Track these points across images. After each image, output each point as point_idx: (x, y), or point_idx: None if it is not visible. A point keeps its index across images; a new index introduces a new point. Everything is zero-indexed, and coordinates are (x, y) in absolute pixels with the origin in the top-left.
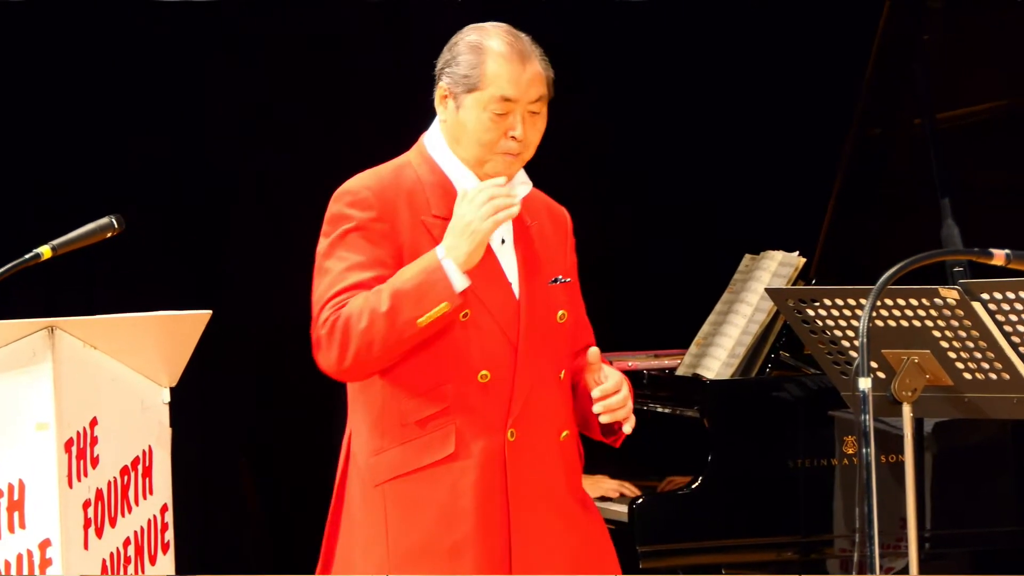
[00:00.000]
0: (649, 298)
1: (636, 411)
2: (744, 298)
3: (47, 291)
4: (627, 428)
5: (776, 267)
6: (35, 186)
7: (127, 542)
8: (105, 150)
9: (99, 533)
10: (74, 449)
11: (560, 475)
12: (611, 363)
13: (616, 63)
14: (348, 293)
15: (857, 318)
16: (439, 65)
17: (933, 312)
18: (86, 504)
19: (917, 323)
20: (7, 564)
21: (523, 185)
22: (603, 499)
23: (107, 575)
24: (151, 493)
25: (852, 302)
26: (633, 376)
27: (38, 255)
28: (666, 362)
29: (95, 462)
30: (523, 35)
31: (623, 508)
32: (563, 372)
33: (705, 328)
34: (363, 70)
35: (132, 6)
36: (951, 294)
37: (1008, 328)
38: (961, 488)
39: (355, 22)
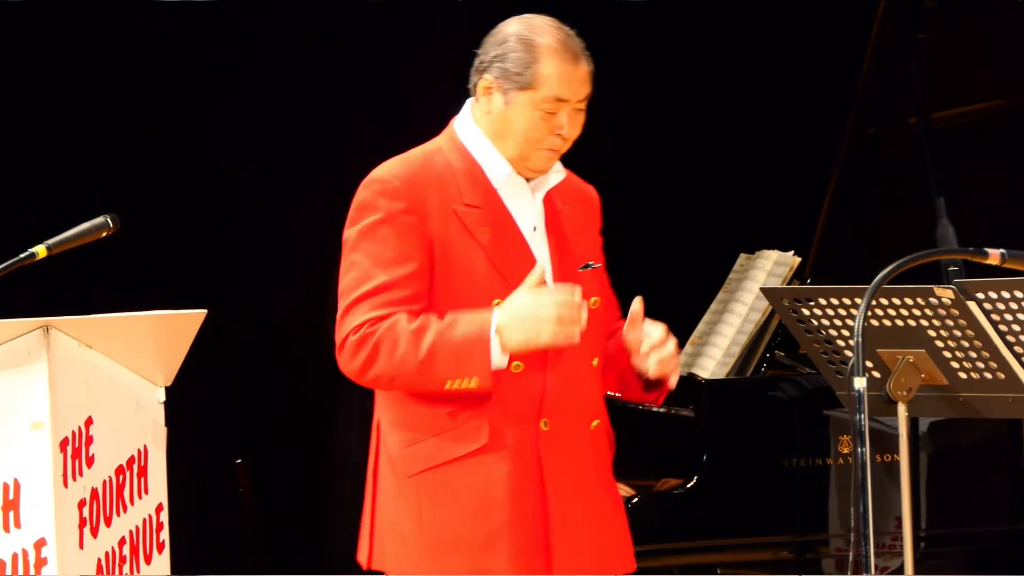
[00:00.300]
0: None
1: (631, 410)
2: (739, 297)
3: (43, 290)
4: (672, 381)
5: (771, 266)
6: (34, 186)
7: (122, 541)
8: (104, 150)
9: (94, 532)
10: (69, 448)
11: (591, 465)
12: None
13: (614, 63)
14: (384, 295)
15: (852, 317)
16: (485, 56)
17: (928, 311)
18: (81, 503)
19: (912, 322)
20: (2, 563)
21: (556, 174)
22: None
23: (102, 574)
24: (146, 492)
25: (847, 301)
26: None
27: (33, 254)
28: None
29: (90, 461)
30: (570, 30)
31: None
32: (596, 359)
33: (700, 327)
34: (363, 70)
35: (132, 6)
36: (946, 293)
37: (1003, 327)
38: (956, 487)
39: (355, 22)
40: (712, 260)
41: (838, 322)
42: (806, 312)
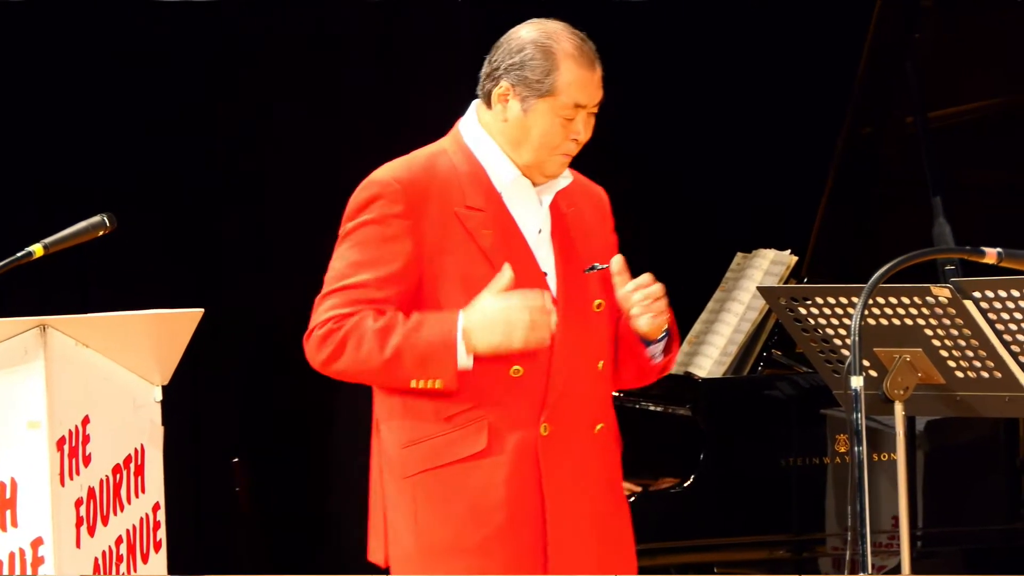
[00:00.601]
0: None
1: (629, 409)
2: (736, 296)
3: (40, 289)
4: (666, 324)
5: (768, 265)
6: (34, 185)
7: (119, 540)
8: (104, 149)
9: (91, 531)
10: (66, 447)
11: (595, 469)
12: None
13: (611, 63)
14: (354, 293)
15: (849, 316)
16: (500, 63)
17: (925, 310)
18: (78, 502)
19: (909, 321)
20: None
21: (564, 179)
22: None
23: (99, 574)
24: (143, 491)
25: (844, 300)
26: None
27: (30, 253)
28: None
29: (87, 460)
30: (583, 34)
31: None
32: (601, 362)
33: (697, 326)
34: (363, 70)
35: (132, 6)
36: (943, 292)
37: (1000, 326)
38: (953, 486)
39: (355, 22)
40: (709, 259)
41: (835, 321)
42: (803, 311)
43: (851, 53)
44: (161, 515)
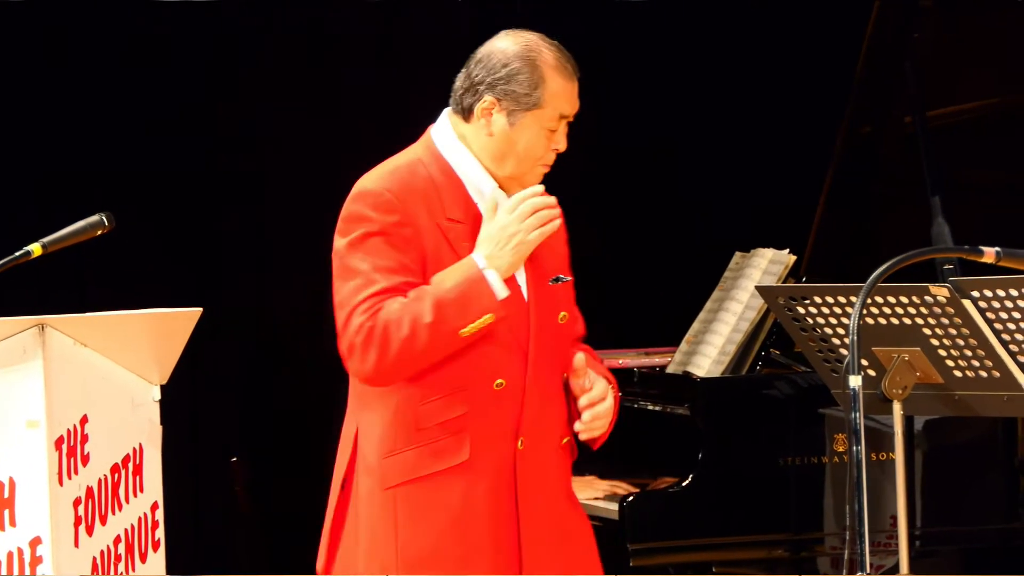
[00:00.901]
0: (640, 295)
1: (627, 408)
2: (734, 296)
3: (39, 289)
4: (599, 439)
5: (766, 264)
6: (33, 184)
7: (118, 540)
8: (102, 149)
9: (89, 531)
10: (64, 447)
11: (559, 480)
12: (602, 361)
13: (609, 63)
14: (380, 297)
15: (847, 316)
16: (482, 78)
17: (923, 310)
18: (76, 502)
19: (907, 321)
20: None
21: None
22: (593, 497)
23: (98, 573)
24: (142, 491)
25: (842, 300)
26: (623, 374)
27: (28, 252)
28: (656, 360)
29: (85, 460)
30: (557, 43)
31: (613, 506)
32: (566, 375)
33: (695, 326)
34: (363, 70)
35: (132, 6)
36: (941, 292)
37: (998, 326)
38: (951, 486)
39: (355, 22)
40: (707, 258)
41: (833, 320)
42: (801, 310)
43: (850, 53)
44: (159, 514)
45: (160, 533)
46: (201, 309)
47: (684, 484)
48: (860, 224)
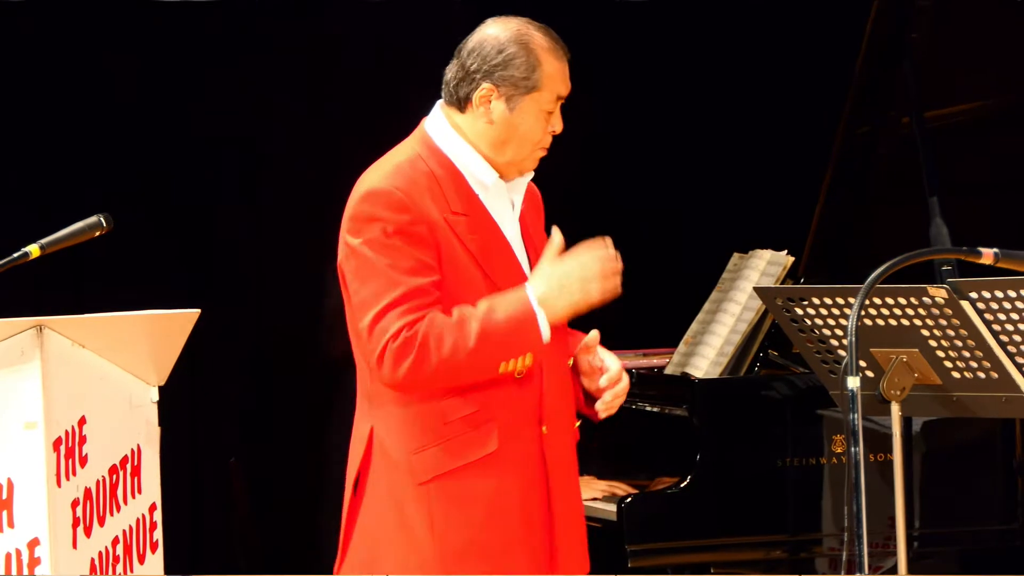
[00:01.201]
0: (638, 296)
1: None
2: (733, 297)
3: (37, 290)
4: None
5: (765, 266)
6: (31, 185)
7: (116, 541)
8: (100, 149)
9: (87, 532)
10: (62, 448)
11: (574, 465)
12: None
13: (608, 64)
14: (413, 301)
15: (845, 317)
16: (480, 66)
17: (921, 311)
18: (74, 503)
19: (906, 322)
20: None
21: (527, 177)
22: (592, 498)
23: (96, 574)
24: (140, 492)
25: (840, 301)
26: None
27: (26, 254)
28: (655, 361)
29: (83, 461)
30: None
31: (611, 507)
32: (571, 360)
33: (694, 327)
34: (363, 70)
35: (132, 6)
36: (939, 293)
37: (996, 327)
38: (949, 487)
39: (355, 22)
40: (706, 259)
41: (831, 321)
42: (799, 311)
43: (848, 53)
44: (158, 516)
45: (158, 534)
46: (199, 310)
47: (682, 485)
48: (858, 225)
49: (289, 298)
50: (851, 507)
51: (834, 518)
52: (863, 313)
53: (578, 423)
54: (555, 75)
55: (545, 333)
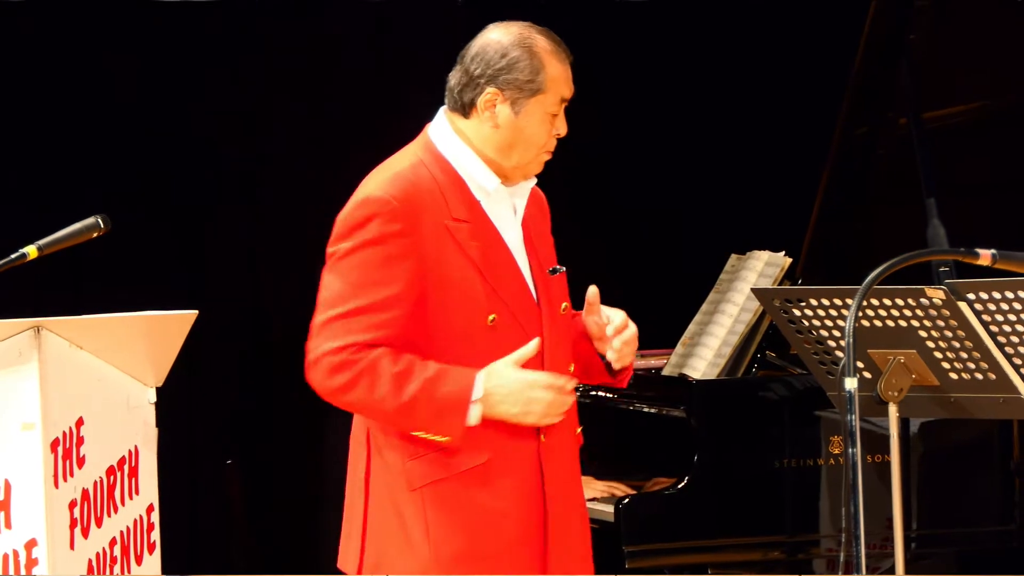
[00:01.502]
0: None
1: (623, 410)
2: (730, 298)
3: (34, 291)
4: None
5: (762, 267)
6: (30, 185)
7: (113, 542)
8: (98, 150)
9: (85, 533)
10: (60, 449)
11: (576, 472)
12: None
13: (607, 64)
14: (370, 317)
15: (843, 318)
16: (484, 71)
17: (919, 312)
18: (72, 504)
19: (903, 323)
20: None
21: (531, 182)
22: (590, 499)
23: (93, 575)
24: (137, 493)
25: (838, 302)
26: None
27: (24, 255)
28: (652, 362)
29: (81, 462)
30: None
31: (609, 508)
32: (572, 365)
33: (691, 328)
34: (363, 70)
35: (132, 6)
36: (937, 294)
37: (994, 328)
38: (947, 488)
39: (355, 22)
40: (703, 260)
41: (829, 323)
42: (797, 313)
43: (846, 53)
44: (155, 517)
45: (156, 535)
46: (197, 311)
47: (680, 486)
48: (856, 226)
49: (287, 299)
50: (849, 508)
51: (832, 519)
52: (861, 314)
53: (579, 428)
54: (559, 77)
55: (472, 423)
